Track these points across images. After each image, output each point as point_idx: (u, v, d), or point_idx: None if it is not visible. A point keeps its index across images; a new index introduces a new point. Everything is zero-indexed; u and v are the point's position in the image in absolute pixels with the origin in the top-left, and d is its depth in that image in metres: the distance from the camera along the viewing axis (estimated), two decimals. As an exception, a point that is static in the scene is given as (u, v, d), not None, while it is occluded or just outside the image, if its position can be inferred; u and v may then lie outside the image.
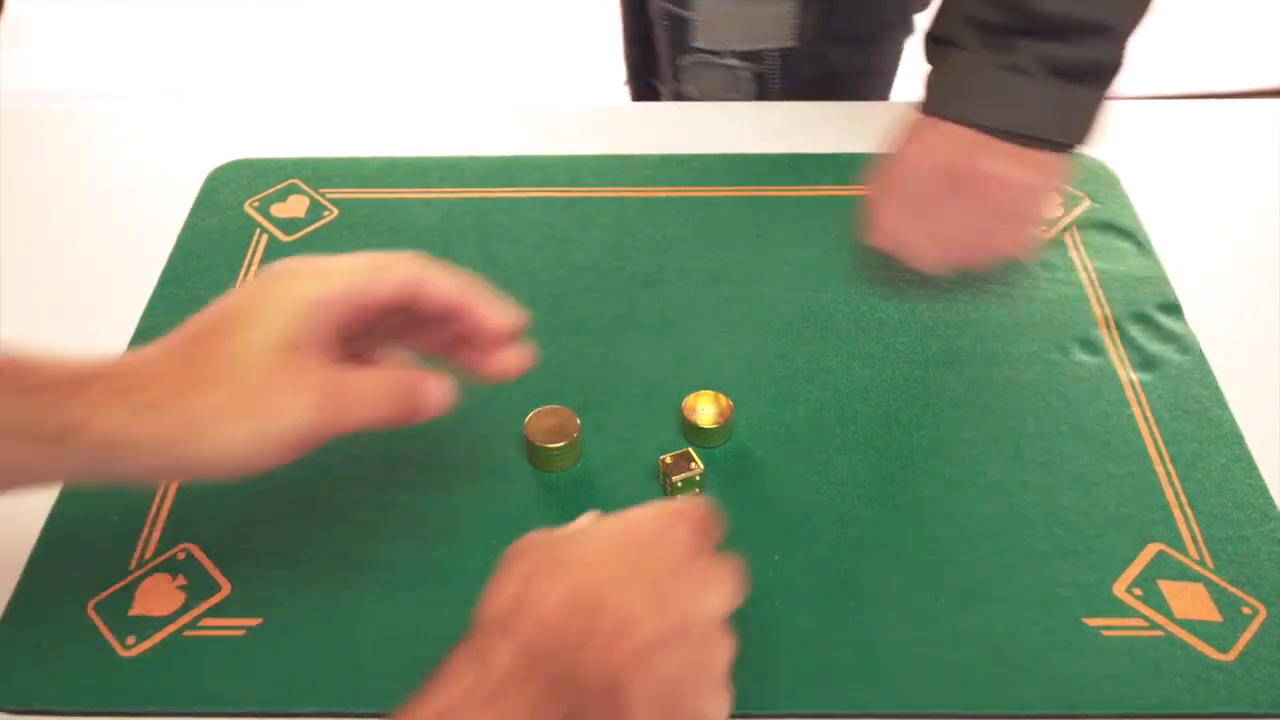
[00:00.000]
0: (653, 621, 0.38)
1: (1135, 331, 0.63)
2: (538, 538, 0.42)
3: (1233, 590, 0.51)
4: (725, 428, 0.57)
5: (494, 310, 0.46)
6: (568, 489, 0.55)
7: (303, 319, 0.42)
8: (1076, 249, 0.68)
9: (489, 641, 0.38)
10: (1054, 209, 0.69)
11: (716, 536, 0.44)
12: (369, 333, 0.46)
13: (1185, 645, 0.49)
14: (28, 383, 0.39)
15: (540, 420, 0.56)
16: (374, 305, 0.44)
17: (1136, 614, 0.50)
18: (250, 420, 0.40)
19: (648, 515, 0.42)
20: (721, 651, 0.40)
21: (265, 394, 0.40)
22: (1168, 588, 0.51)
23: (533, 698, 0.36)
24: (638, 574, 0.39)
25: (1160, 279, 0.66)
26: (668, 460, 0.55)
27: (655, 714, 0.37)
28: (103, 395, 0.39)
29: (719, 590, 0.41)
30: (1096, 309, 0.64)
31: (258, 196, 0.73)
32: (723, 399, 0.58)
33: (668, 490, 0.55)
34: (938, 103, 0.61)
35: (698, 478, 0.54)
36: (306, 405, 0.41)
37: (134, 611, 0.50)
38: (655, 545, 0.41)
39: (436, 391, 0.45)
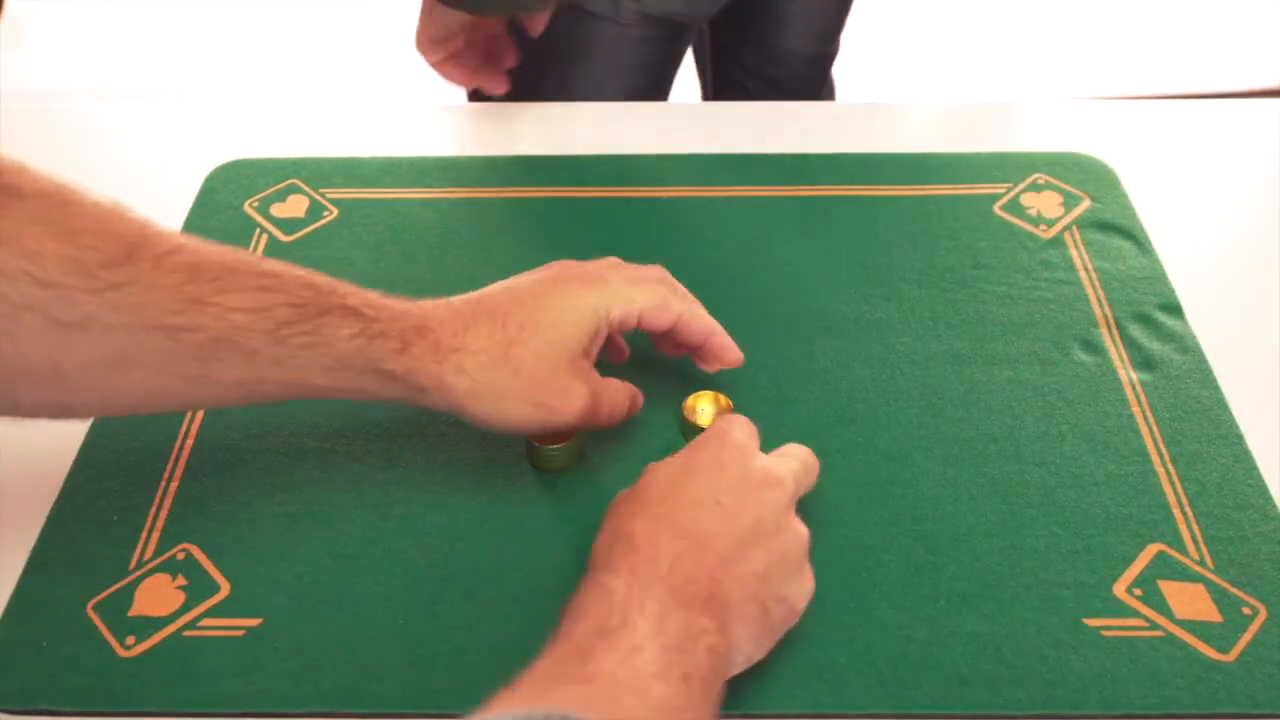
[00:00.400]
0: (726, 533, 0.45)
1: (1135, 331, 0.63)
2: (623, 493, 0.49)
3: (1233, 590, 0.51)
4: (725, 428, 0.57)
5: (728, 354, 0.56)
6: (568, 489, 0.55)
7: (594, 330, 0.51)
8: (1076, 249, 0.68)
9: (601, 580, 0.43)
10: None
11: (757, 439, 0.51)
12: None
13: (1185, 645, 0.49)
14: (372, 329, 0.48)
15: (540, 420, 0.56)
16: (648, 329, 0.54)
17: (1136, 614, 0.50)
18: (534, 409, 0.50)
19: (700, 446, 0.49)
20: (793, 539, 0.46)
21: (551, 390, 0.50)
22: (1168, 588, 0.51)
23: (653, 618, 0.41)
24: (705, 496, 0.46)
25: (1160, 279, 0.66)
26: (668, 460, 0.55)
27: (750, 607, 0.44)
28: (424, 352, 0.48)
29: (775, 488, 0.47)
30: (1096, 309, 0.64)
31: (257, 196, 0.73)
32: (723, 399, 0.58)
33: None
34: None
35: (698, 478, 0.54)
36: (576, 408, 0.50)
37: (134, 611, 0.50)
38: (713, 468, 0.47)
39: (640, 402, 0.56)
